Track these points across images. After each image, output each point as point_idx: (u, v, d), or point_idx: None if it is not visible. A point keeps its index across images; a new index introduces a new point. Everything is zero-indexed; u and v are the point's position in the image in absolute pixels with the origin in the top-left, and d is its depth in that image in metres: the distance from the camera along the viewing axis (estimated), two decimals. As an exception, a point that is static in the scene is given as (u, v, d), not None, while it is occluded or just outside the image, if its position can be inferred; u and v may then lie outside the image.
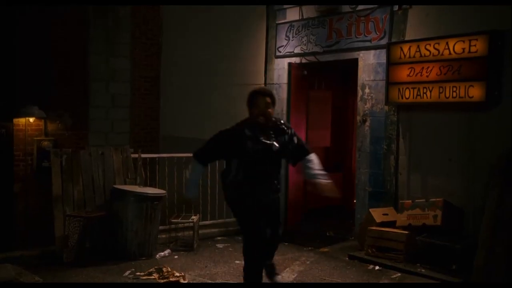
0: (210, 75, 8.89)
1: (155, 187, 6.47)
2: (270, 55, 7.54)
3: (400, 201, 5.69)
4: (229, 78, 8.33)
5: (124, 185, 5.78)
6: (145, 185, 6.16)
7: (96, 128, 9.14)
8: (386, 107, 6.06)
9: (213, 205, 6.95)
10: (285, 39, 7.29)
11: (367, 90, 6.30)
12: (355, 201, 6.97)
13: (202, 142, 8.89)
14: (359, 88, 6.39)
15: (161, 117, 9.98)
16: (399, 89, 5.74)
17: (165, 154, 7.14)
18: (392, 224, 5.64)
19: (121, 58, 9.38)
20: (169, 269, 5.09)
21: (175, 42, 9.75)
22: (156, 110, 9.91)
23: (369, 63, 6.26)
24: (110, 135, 9.28)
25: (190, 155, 7.16)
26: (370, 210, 5.88)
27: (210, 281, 4.91)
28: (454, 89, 5.25)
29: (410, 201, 5.56)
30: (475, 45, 5.11)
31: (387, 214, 5.81)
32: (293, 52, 7.19)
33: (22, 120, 8.21)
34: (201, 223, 6.67)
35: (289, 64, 6.79)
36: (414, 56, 5.60)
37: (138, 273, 5.04)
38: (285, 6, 7.27)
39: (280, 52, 7.37)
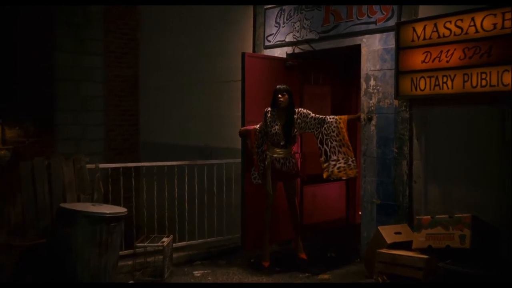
0: (193, 73, 7.83)
1: (131, 202, 5.44)
2: (258, 46, 6.47)
3: (417, 217, 4.58)
4: (213, 75, 7.26)
5: (75, 204, 4.70)
6: (107, 202, 5.09)
7: (65, 135, 8.08)
8: (396, 102, 4.98)
9: (192, 223, 5.87)
10: (275, 26, 6.22)
11: (372, 82, 5.22)
12: (360, 213, 5.91)
13: (187, 148, 7.84)
14: (362, 80, 5.32)
15: (140, 121, 8.94)
16: (412, 79, 4.66)
17: (134, 163, 6.04)
18: (407, 245, 4.54)
19: (92, 56, 8.31)
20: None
21: (154, 38, 8.70)
22: (135, 114, 8.84)
23: (374, 50, 5.19)
24: (82, 142, 8.21)
25: (173, 163, 6.14)
26: (379, 228, 4.78)
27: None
28: (483, 75, 4.16)
29: (429, 217, 4.46)
30: (510, 19, 4.03)
31: (400, 233, 4.72)
32: (284, 40, 6.13)
33: (-27, 127, 7.17)
34: (177, 244, 5.60)
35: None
36: (430, 38, 4.52)
37: (86, 316, 3.97)
38: (274, -12, 6.22)
39: (270, 41, 6.30)
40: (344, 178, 5.33)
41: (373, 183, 5.23)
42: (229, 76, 6.91)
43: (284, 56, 6.15)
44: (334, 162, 5.17)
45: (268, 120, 5.37)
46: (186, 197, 5.85)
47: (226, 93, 7.07)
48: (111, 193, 5.69)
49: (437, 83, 4.46)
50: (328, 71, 6.85)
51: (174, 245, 5.49)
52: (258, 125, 5.49)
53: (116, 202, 5.39)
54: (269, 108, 5.40)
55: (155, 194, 5.76)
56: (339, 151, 5.18)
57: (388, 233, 4.72)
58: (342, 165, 5.16)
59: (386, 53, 5.07)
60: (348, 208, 7.04)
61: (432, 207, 4.70)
